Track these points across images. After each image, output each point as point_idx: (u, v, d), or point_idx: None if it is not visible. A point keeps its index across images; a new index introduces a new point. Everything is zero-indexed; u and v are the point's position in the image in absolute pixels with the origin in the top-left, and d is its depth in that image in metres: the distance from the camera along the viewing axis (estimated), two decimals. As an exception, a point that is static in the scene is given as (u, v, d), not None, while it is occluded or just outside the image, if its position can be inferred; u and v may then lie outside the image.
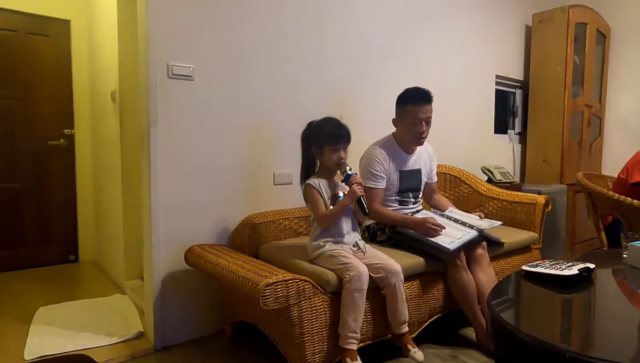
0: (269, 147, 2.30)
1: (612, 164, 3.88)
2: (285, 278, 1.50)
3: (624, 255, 1.70)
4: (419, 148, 2.26)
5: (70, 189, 3.42)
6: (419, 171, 2.26)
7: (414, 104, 2.09)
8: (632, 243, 1.64)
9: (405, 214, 2.15)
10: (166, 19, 1.93)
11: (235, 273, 1.59)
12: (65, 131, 3.36)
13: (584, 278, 1.49)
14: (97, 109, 3.28)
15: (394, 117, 2.19)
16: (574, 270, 1.45)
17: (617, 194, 2.35)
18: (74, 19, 3.35)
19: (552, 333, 1.19)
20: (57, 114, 3.34)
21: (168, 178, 1.97)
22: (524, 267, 1.57)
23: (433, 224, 1.95)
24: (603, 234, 2.55)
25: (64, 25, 3.33)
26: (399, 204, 2.20)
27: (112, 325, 2.18)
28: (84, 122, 3.45)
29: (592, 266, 1.50)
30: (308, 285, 1.58)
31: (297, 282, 1.54)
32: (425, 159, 2.31)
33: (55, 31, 3.31)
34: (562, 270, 1.47)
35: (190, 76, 2.01)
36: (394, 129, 2.23)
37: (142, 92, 1.98)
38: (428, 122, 2.12)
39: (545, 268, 1.52)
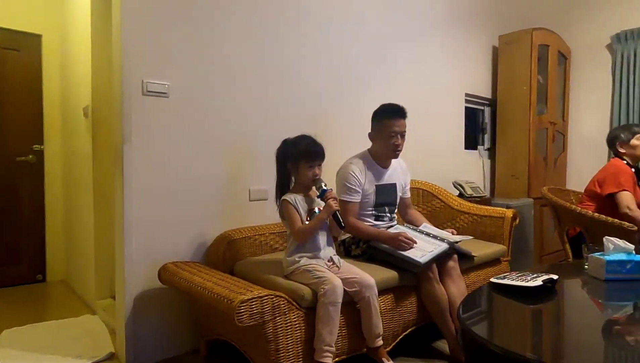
0: (244, 163, 2.31)
1: (576, 178, 4.06)
2: (260, 295, 1.51)
3: (585, 266, 1.78)
4: (393, 162, 2.32)
5: (38, 206, 3.32)
6: (394, 186, 2.31)
7: (389, 118, 2.17)
8: (592, 254, 1.72)
9: (380, 228, 2.19)
10: (141, 35, 1.94)
11: (210, 291, 1.58)
12: (35, 146, 3.29)
13: (549, 289, 1.55)
14: (69, 124, 3.23)
15: (370, 132, 2.25)
16: (538, 281, 1.52)
17: (580, 208, 2.46)
18: (45, 33, 3.31)
19: (522, 344, 1.23)
20: (27, 130, 3.26)
21: (142, 194, 1.96)
22: (492, 279, 1.62)
23: (405, 238, 2.00)
24: (567, 246, 2.66)
25: (35, 40, 3.28)
26: (375, 220, 2.24)
27: (81, 346, 2.12)
28: (54, 138, 3.39)
29: (555, 277, 1.57)
30: (283, 300, 1.59)
31: (272, 298, 1.55)
32: (400, 174, 2.37)
33: (26, 46, 3.25)
34: (528, 281, 1.53)
35: (166, 93, 2.02)
36: (368, 146, 2.29)
37: (116, 108, 1.97)
38: (403, 135, 2.20)
39: (511, 280, 1.58)
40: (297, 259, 1.79)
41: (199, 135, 2.13)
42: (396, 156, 2.28)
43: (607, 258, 1.65)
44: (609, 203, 2.49)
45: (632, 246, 1.70)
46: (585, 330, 1.30)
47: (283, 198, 1.84)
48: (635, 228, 2.29)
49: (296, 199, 1.84)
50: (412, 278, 2.02)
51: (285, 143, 1.90)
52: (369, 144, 2.29)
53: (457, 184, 3.38)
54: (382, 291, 1.88)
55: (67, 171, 3.32)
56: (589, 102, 4.11)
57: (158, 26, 1.99)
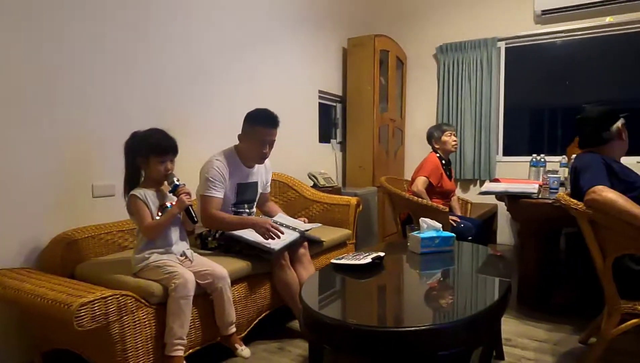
0: (86, 157, 2.13)
1: (411, 168, 4.61)
2: (103, 295, 1.45)
3: (408, 244, 2.12)
4: None
5: None
6: (255, 184, 2.38)
7: (263, 126, 2.20)
8: (412, 233, 2.06)
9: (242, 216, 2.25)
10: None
11: (44, 297, 1.45)
12: None
13: (377, 265, 1.82)
14: None
15: (240, 133, 2.26)
16: (368, 259, 1.76)
17: (408, 194, 2.89)
18: None
19: (346, 312, 1.43)
20: None
21: (-50, 194, 1.67)
22: (332, 260, 1.83)
23: (272, 227, 2.09)
24: (400, 227, 3.10)
25: None
26: (233, 215, 2.28)
27: None
28: None
29: (382, 254, 1.85)
30: (130, 299, 1.55)
31: (118, 298, 1.50)
32: (262, 172, 2.45)
33: None
34: (360, 259, 1.77)
35: (-20, 77, 1.74)
36: (228, 142, 2.31)
37: None
38: (272, 144, 2.27)
39: (347, 259, 1.81)
40: (146, 255, 1.75)
41: (28, 127, 1.90)
42: (262, 163, 2.36)
43: (422, 235, 2.00)
44: (428, 188, 2.98)
45: (440, 225, 2.08)
46: (398, 295, 1.57)
47: (131, 193, 1.77)
48: (447, 209, 2.79)
49: (146, 194, 1.78)
50: (265, 266, 2.13)
51: (135, 136, 1.82)
52: (222, 140, 2.31)
53: (311, 176, 3.63)
54: (236, 281, 1.96)
55: None
56: (420, 102, 4.78)
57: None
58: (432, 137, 3.17)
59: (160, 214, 1.80)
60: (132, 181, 1.83)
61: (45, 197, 1.97)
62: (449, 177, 3.15)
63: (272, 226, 2.10)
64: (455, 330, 1.23)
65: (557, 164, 3.39)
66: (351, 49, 4.24)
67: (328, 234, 2.63)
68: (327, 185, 3.59)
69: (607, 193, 1.59)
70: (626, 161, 1.96)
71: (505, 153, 4.43)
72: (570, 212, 1.74)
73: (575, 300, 2.59)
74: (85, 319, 1.38)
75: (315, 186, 3.50)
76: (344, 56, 4.39)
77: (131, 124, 1.92)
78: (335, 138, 4.48)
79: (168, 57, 2.54)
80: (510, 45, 4.33)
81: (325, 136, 4.28)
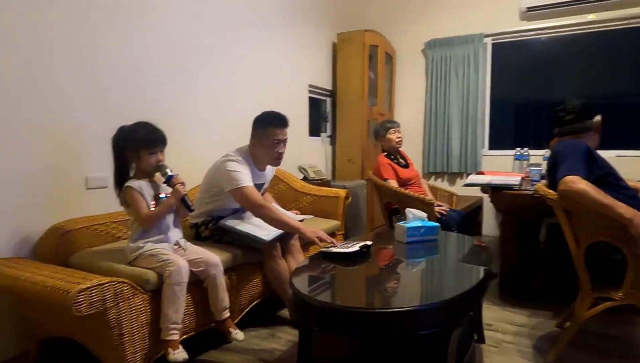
0: (79, 150, 2.17)
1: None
2: (100, 282, 1.50)
3: (395, 233, 2.20)
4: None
5: None
6: (263, 185, 2.43)
7: (275, 127, 2.23)
8: (398, 223, 2.14)
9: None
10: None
11: (42, 284, 1.50)
12: None
13: (365, 253, 1.89)
14: None
15: (252, 138, 2.28)
16: (356, 247, 1.84)
17: (396, 186, 2.97)
18: None
19: (332, 295, 1.50)
20: None
21: (-54, 185, 1.70)
22: (321, 249, 1.90)
23: (323, 238, 2.10)
24: (387, 218, 3.18)
25: None
26: (232, 212, 2.31)
27: None
28: None
29: (369, 243, 1.93)
30: (126, 286, 1.60)
31: (115, 284, 1.55)
32: (269, 173, 2.49)
33: None
34: (348, 248, 1.85)
35: (-26, 70, 1.77)
36: (213, 134, 2.35)
37: None
38: (285, 143, 2.29)
39: (336, 248, 1.88)
40: (141, 244, 1.80)
41: (21, 119, 1.93)
42: (278, 164, 2.35)
43: (408, 225, 2.08)
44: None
45: (425, 215, 2.16)
46: (382, 281, 1.65)
47: (127, 184, 1.81)
48: (433, 201, 2.88)
49: (141, 185, 1.83)
50: (257, 256, 2.20)
51: (122, 130, 1.85)
52: (208, 132, 2.32)
53: (302, 169, 3.69)
54: (228, 269, 2.02)
55: None
56: (409, 96, 4.86)
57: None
58: (378, 135, 3.28)
59: (154, 204, 1.85)
60: (122, 173, 1.87)
61: (39, 188, 2.01)
62: (405, 166, 3.24)
63: (325, 237, 2.11)
64: (434, 311, 1.32)
65: (540, 158, 3.50)
66: (340, 44, 4.29)
67: (318, 225, 2.69)
68: (317, 178, 3.66)
69: (578, 184, 1.67)
70: (605, 154, 2.06)
71: (491, 147, 4.54)
72: (547, 202, 1.83)
73: (554, 286, 2.71)
74: (84, 305, 1.43)
75: (305, 178, 3.57)
76: (334, 51, 4.44)
77: (121, 118, 1.95)
78: (325, 132, 4.54)
79: (154, 50, 2.57)
80: (497, 41, 4.42)
81: (315, 130, 4.34)
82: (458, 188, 4.45)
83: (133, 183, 1.81)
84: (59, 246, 1.94)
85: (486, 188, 2.92)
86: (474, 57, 4.37)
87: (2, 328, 1.90)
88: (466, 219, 3.15)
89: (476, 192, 3.65)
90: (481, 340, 2.05)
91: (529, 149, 3.43)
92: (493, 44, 4.44)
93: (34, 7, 1.96)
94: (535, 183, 2.70)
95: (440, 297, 1.35)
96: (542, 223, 2.95)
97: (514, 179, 2.62)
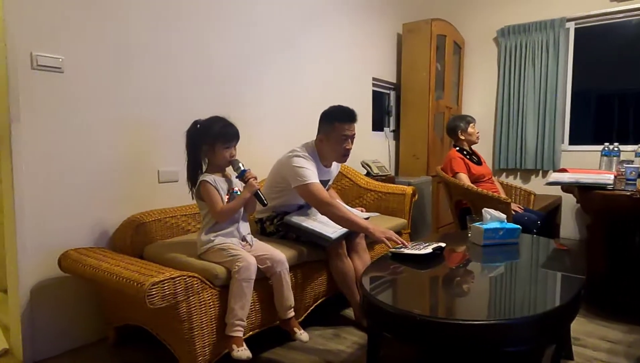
0: (152, 144, 2.24)
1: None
2: (172, 276, 1.51)
3: (469, 234, 2.05)
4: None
5: None
6: (327, 182, 2.38)
7: (342, 122, 2.17)
8: (474, 224, 1.99)
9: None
10: (29, 1, 1.76)
11: (119, 275, 1.54)
12: None
13: (438, 255, 1.77)
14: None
15: (318, 134, 2.23)
16: (429, 249, 1.72)
17: (467, 184, 2.79)
18: None
19: (410, 302, 1.41)
20: None
21: (35, 178, 1.82)
22: (391, 250, 1.81)
23: (393, 239, 1.99)
24: (457, 218, 3.00)
25: None
26: (297, 208, 2.27)
27: (-33, 345, 1.93)
28: None
29: (443, 245, 1.80)
30: (196, 280, 1.61)
31: (185, 279, 1.56)
32: (334, 170, 2.44)
33: None
34: (420, 249, 1.73)
35: (60, 68, 1.86)
36: (280, 128, 2.32)
37: (0, 83, 1.78)
38: (353, 139, 2.22)
39: (407, 249, 1.78)
40: (212, 238, 1.80)
41: (101, 114, 2.01)
42: (344, 161, 2.29)
43: (485, 226, 1.92)
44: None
45: (504, 216, 1.99)
46: (462, 287, 1.52)
47: (202, 178, 1.82)
48: (510, 200, 2.66)
49: (215, 180, 1.84)
50: (321, 254, 2.14)
51: (197, 124, 1.87)
52: (275, 126, 2.29)
53: (365, 164, 3.60)
54: (293, 267, 1.98)
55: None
56: (479, 89, 4.58)
57: (48, -6, 1.82)
58: (458, 128, 3.06)
59: (227, 198, 1.85)
60: (195, 168, 1.88)
61: (116, 182, 2.09)
62: (477, 163, 3.05)
63: (395, 237, 2.00)
64: (527, 326, 1.17)
65: (631, 154, 3.13)
66: (406, 35, 4.12)
67: (383, 223, 2.59)
68: (380, 174, 3.54)
69: None
70: None
71: (571, 142, 4.16)
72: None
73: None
74: (156, 298, 1.45)
75: (368, 174, 3.47)
76: (399, 42, 4.28)
77: (193, 112, 1.98)
78: (389, 127, 4.40)
79: (227, 47, 2.59)
80: (581, 25, 4.02)
81: (378, 124, 4.22)
82: (534, 186, 4.12)
83: (208, 178, 1.82)
84: (134, 237, 2.01)
85: (570, 187, 2.65)
86: (553, 44, 4.01)
87: (86, 314, 2.01)
88: (546, 221, 2.89)
89: (556, 191, 3.35)
90: (569, 356, 1.85)
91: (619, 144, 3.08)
92: (576, 29, 4.04)
93: (110, 5, 2.03)
94: (630, 182, 2.41)
95: (534, 309, 1.21)
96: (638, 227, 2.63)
97: (606, 177, 2.34)
